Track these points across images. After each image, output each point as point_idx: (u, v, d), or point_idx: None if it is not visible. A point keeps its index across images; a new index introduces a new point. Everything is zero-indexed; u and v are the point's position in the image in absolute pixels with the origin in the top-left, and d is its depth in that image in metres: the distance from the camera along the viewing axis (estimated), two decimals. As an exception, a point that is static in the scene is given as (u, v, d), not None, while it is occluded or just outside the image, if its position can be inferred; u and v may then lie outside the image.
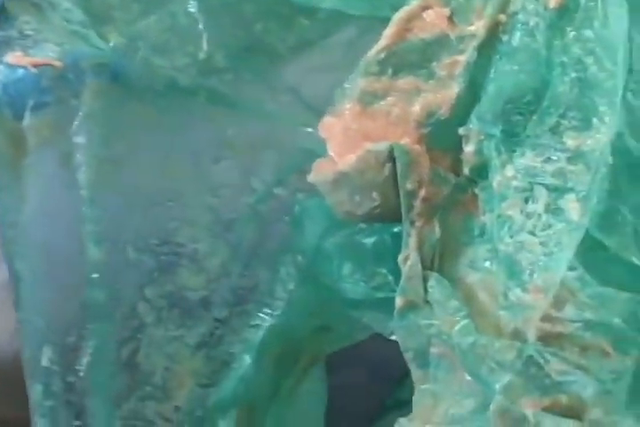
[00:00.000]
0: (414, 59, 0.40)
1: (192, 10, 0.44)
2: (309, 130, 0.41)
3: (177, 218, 0.43)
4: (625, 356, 0.36)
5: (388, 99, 0.40)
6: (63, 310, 0.42)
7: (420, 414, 0.38)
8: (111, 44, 0.41)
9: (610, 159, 0.36)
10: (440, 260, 0.40)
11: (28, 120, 0.42)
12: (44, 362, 0.42)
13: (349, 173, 0.40)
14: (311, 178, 0.40)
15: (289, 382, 0.45)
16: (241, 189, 0.43)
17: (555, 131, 0.37)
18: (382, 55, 0.40)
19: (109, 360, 0.43)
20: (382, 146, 0.39)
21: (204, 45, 0.44)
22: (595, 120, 0.36)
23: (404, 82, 0.40)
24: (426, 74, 0.40)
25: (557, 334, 0.36)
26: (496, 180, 0.38)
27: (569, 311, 0.36)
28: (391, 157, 0.39)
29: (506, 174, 0.38)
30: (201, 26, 0.44)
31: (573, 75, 0.37)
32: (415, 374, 0.39)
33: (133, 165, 0.41)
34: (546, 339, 0.36)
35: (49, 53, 0.42)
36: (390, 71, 0.40)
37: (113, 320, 0.43)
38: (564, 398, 0.35)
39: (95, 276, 0.42)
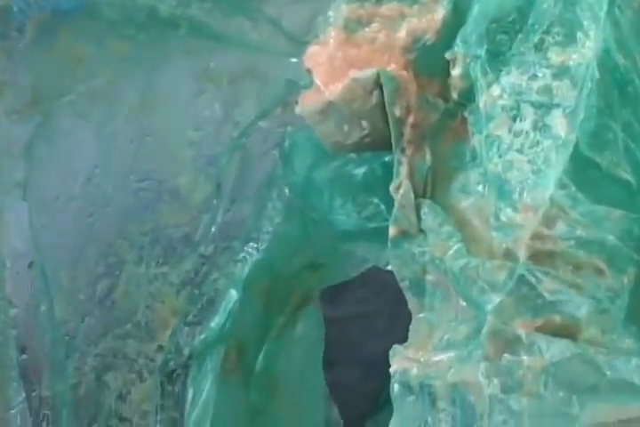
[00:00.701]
0: (398, -17, 0.40)
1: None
2: (293, 60, 0.41)
3: (156, 153, 0.43)
4: (621, 274, 0.35)
5: (373, 25, 0.40)
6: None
7: (415, 341, 0.38)
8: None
9: (596, 74, 0.35)
10: (432, 187, 0.39)
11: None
12: None
13: (337, 103, 0.39)
14: (298, 110, 0.40)
15: (280, 322, 0.45)
16: (223, 123, 0.42)
17: (539, 47, 0.37)
18: (364, -19, 0.40)
19: (78, 298, 0.43)
20: (368, 73, 0.39)
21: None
22: (579, 35, 0.35)
23: (388, 8, 0.40)
24: (411, -2, 0.40)
25: (549, 252, 0.35)
26: (482, 100, 0.37)
27: (560, 229, 0.35)
28: (378, 84, 0.39)
29: (492, 94, 0.37)
30: None
31: (557, -10, 0.36)
32: (411, 302, 0.39)
33: (110, 101, 0.41)
34: (537, 258, 0.35)
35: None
36: (374, -4, 0.40)
37: (85, 258, 0.43)
38: (557, 318, 0.35)
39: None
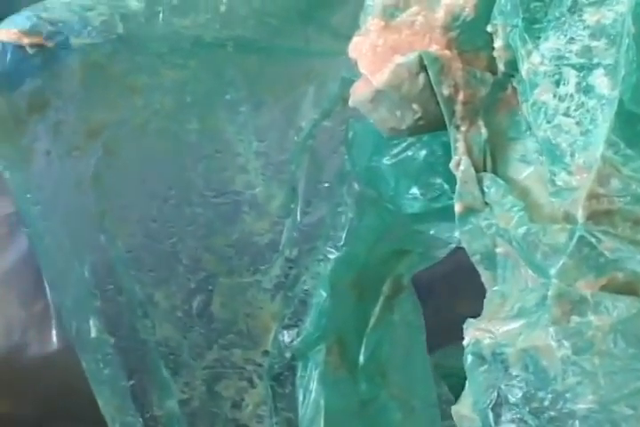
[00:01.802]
0: (432, -38, 0.41)
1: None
2: (343, 57, 0.42)
3: (228, 167, 0.44)
4: None
5: (411, 9, 0.40)
6: (104, 274, 0.43)
7: (488, 312, 0.38)
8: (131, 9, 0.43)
9: (632, 29, 0.35)
10: (492, 159, 0.39)
11: (23, 95, 0.44)
12: (94, 333, 0.44)
13: (385, 90, 0.40)
14: (351, 102, 0.41)
15: (376, 312, 0.46)
16: (287, 129, 0.44)
17: (573, 10, 0.37)
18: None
19: (176, 316, 0.45)
20: (411, 57, 0.39)
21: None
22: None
23: (424, -10, 0.40)
24: (446, -25, 0.40)
25: (606, 211, 0.36)
26: (524, 69, 0.37)
27: (615, 187, 0.35)
28: (422, 67, 0.39)
29: (533, 62, 0.37)
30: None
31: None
32: (484, 276, 0.40)
33: (171, 125, 0.43)
34: (596, 218, 0.35)
35: (42, 30, 0.43)
36: (409, -22, 0.41)
37: (175, 277, 0.44)
38: (620, 276, 0.35)
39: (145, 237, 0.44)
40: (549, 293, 0.35)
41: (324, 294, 0.45)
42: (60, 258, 0.44)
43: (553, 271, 0.35)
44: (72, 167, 0.42)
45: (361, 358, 0.48)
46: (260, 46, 0.44)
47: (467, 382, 0.38)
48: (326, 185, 0.45)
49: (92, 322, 0.44)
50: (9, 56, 0.41)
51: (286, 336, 0.45)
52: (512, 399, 0.35)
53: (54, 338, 0.57)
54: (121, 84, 0.43)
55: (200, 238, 0.45)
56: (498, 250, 0.39)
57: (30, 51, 0.42)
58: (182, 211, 0.44)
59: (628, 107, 0.35)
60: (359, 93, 0.41)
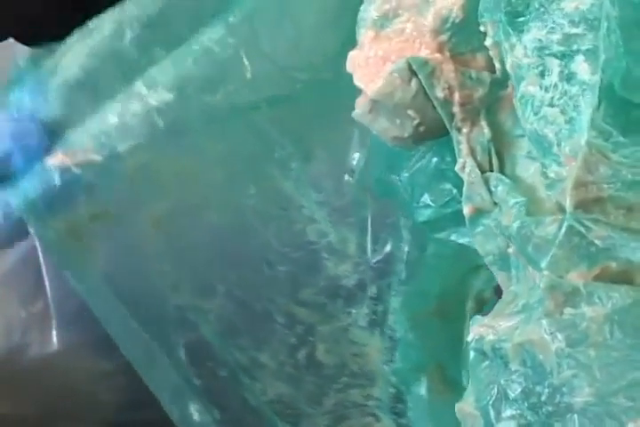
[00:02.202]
0: (415, -28, 0.41)
1: (230, 40, 0.46)
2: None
3: (297, 221, 0.45)
4: None
5: (400, 18, 0.40)
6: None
7: (496, 309, 0.37)
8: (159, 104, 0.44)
9: (613, 12, 0.34)
10: (498, 159, 0.39)
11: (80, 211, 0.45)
12: (196, 417, 0.44)
13: (380, 99, 0.40)
14: (354, 115, 0.41)
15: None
16: (340, 174, 0.44)
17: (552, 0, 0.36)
18: (384, -22, 0.41)
19: (285, 372, 0.46)
20: (401, 63, 0.39)
21: (247, 64, 0.46)
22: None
23: (411, -4, 0.40)
24: (431, -18, 0.40)
25: (596, 198, 0.34)
26: (509, 63, 0.37)
27: (604, 174, 0.34)
28: (413, 72, 0.39)
29: (516, 55, 0.37)
30: (239, 51, 0.46)
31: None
32: (499, 277, 0.39)
33: (233, 193, 0.43)
34: (585, 206, 0.34)
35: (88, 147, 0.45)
36: (396, -10, 0.41)
37: (274, 335, 0.46)
38: (613, 265, 0.34)
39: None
40: (541, 285, 0.34)
41: (403, 329, 0.45)
42: (146, 346, 0.46)
43: (544, 263, 0.34)
44: (142, 256, 0.43)
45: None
46: (293, 101, 0.46)
47: (470, 379, 0.37)
48: (389, 221, 0.45)
49: (191, 407, 0.45)
50: (59, 180, 0.44)
51: (387, 371, 0.45)
52: (511, 395, 0.34)
53: (54, 338, 0.57)
54: (169, 171, 0.45)
55: (289, 294, 0.46)
56: (510, 250, 0.38)
57: (77, 170, 0.44)
58: (265, 273, 0.45)
59: (620, 93, 0.34)
60: (359, 106, 0.41)
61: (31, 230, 0.45)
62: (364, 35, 0.41)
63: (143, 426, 0.61)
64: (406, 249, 0.45)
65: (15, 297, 0.57)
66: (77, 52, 0.45)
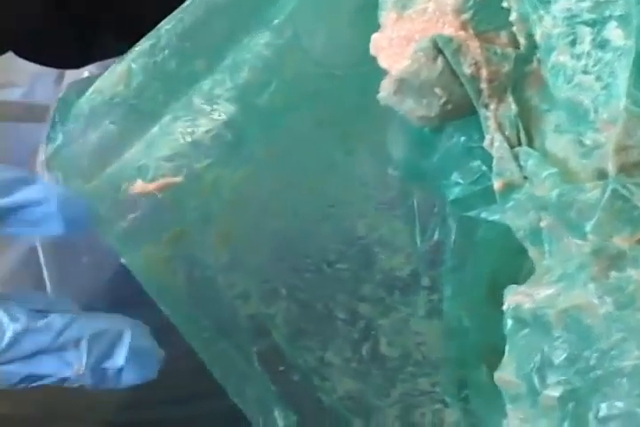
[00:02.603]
0: (435, -48, 0.41)
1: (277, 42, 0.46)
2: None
3: (346, 217, 0.45)
4: None
5: (420, -2, 0.40)
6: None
7: (531, 280, 0.37)
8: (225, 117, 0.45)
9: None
10: (526, 134, 0.39)
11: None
12: (281, 423, 0.45)
13: (406, 78, 0.40)
14: (379, 98, 0.41)
15: None
16: (384, 167, 0.44)
17: (580, -33, 0.36)
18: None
19: (352, 368, 0.45)
20: (425, 41, 0.39)
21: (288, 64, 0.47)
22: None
23: (432, -24, 0.40)
24: (450, -38, 0.40)
25: (637, 162, 0.34)
26: (538, 34, 0.37)
27: None
28: (438, 50, 0.39)
29: (546, 25, 0.37)
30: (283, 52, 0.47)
31: None
32: (531, 252, 0.38)
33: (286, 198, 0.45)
34: (627, 170, 0.34)
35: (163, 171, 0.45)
36: (415, -30, 0.41)
37: (337, 333, 0.46)
38: None
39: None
40: (586, 249, 0.34)
41: (457, 317, 0.45)
42: (226, 359, 0.45)
43: (588, 228, 0.34)
44: (213, 270, 0.44)
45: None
46: (332, 96, 0.45)
47: (507, 347, 0.37)
48: (435, 210, 0.45)
49: (276, 413, 0.44)
50: (145, 208, 0.43)
51: (450, 359, 0.45)
52: (556, 361, 0.34)
53: None
54: (232, 184, 0.44)
55: (349, 291, 0.46)
56: (542, 224, 0.38)
57: (159, 195, 0.44)
58: (325, 273, 0.45)
59: (648, 57, 0.34)
60: (384, 88, 0.41)
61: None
62: (387, 17, 0.41)
63: (143, 426, 0.60)
64: (453, 237, 0.45)
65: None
66: (116, 71, 0.46)
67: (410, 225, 0.46)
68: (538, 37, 0.37)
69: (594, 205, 0.34)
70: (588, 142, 0.36)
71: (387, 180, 0.46)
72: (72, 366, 0.42)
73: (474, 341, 0.44)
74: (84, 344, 0.43)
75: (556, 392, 0.35)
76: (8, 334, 0.42)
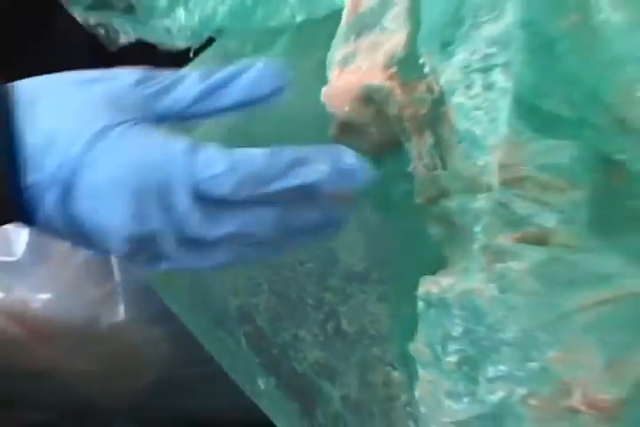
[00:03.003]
0: (369, 21, 0.49)
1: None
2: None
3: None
4: (580, 190, 0.41)
5: (358, 57, 0.48)
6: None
7: (440, 273, 0.44)
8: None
9: (521, 35, 0.43)
10: (441, 160, 0.44)
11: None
12: (263, 386, 0.53)
13: (347, 122, 0.45)
14: (330, 137, 0.49)
15: None
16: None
17: (474, 28, 0.44)
18: (345, 28, 0.48)
19: (319, 342, 0.53)
20: (360, 90, 0.46)
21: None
22: (498, 12, 0.43)
23: (366, 42, 0.48)
24: (380, 29, 0.47)
25: (517, 178, 0.40)
26: (443, 82, 0.45)
27: (523, 159, 0.40)
28: (371, 97, 0.47)
29: (448, 75, 0.43)
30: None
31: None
32: (444, 251, 0.45)
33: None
34: (508, 184, 0.40)
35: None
36: (353, 37, 0.49)
37: (308, 316, 0.53)
38: (532, 230, 0.39)
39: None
40: (476, 246, 0.39)
41: (397, 303, 0.52)
42: (220, 342, 0.54)
43: (478, 229, 0.40)
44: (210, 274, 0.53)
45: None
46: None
47: (419, 324, 0.43)
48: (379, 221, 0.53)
49: (259, 379, 0.52)
50: None
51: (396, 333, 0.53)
52: (454, 334, 0.40)
53: (121, 311, 0.70)
54: None
55: (317, 283, 0.52)
56: (451, 229, 0.45)
57: None
58: (297, 270, 0.53)
59: (529, 98, 0.42)
60: (332, 130, 0.49)
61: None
62: (332, 73, 0.49)
63: (184, 379, 0.72)
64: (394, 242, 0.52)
65: (91, 280, 0.69)
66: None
67: (364, 232, 0.53)
68: (443, 84, 0.45)
69: (483, 212, 0.40)
70: (480, 163, 0.42)
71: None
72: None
73: (411, 320, 0.51)
74: None
75: (454, 359, 0.40)
76: None
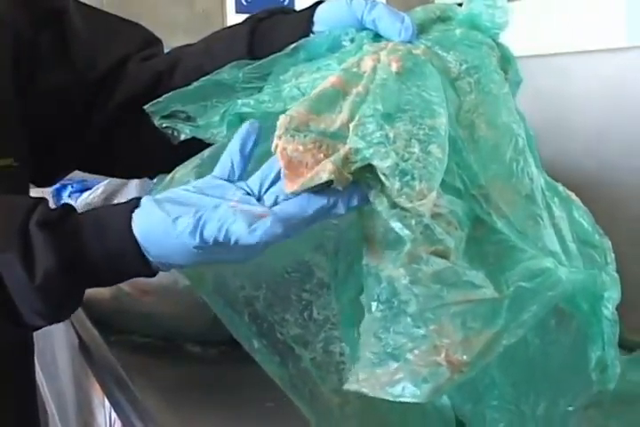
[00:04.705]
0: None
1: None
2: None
3: (301, 254, 0.73)
4: (462, 230, 0.60)
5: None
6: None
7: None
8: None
9: (449, 129, 0.62)
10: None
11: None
12: (256, 345, 0.70)
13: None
14: None
15: None
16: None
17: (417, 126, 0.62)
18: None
19: (298, 323, 0.72)
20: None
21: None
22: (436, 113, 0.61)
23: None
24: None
25: (437, 214, 0.59)
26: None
27: (442, 203, 0.59)
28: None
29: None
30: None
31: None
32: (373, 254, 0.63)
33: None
34: (434, 216, 0.59)
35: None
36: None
37: (291, 305, 0.71)
38: (442, 247, 0.58)
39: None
40: (405, 250, 0.57)
41: (347, 302, 0.72)
42: (233, 318, 0.72)
43: (408, 239, 0.58)
44: (226, 277, 0.73)
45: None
46: None
47: (364, 288, 0.62)
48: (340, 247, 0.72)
49: (254, 342, 0.70)
50: None
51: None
52: (382, 299, 0.60)
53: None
54: None
55: (299, 287, 0.71)
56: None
57: None
58: (286, 277, 0.72)
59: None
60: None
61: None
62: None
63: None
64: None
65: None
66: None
67: (329, 255, 0.71)
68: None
69: (413, 230, 0.58)
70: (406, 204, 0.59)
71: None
72: None
73: (359, 311, 0.66)
74: None
75: (378, 314, 0.59)
76: None
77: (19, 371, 0.88)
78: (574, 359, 0.67)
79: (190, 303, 1.03)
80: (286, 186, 0.60)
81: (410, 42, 0.68)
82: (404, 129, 0.62)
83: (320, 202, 0.60)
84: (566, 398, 0.67)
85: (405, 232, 0.59)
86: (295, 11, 0.79)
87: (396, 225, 0.60)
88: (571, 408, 0.67)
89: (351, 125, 0.61)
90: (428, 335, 0.59)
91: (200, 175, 0.68)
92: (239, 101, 0.70)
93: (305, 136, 0.62)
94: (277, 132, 0.61)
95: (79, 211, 0.65)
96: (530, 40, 1.22)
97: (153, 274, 0.64)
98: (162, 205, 0.62)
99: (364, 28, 0.71)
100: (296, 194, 0.60)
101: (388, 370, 0.59)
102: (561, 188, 0.69)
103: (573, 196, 0.69)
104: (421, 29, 0.69)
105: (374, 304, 0.61)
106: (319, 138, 0.62)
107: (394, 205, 0.60)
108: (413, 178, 0.61)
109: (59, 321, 0.67)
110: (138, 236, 0.62)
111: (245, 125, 0.65)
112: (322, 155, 0.62)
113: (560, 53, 1.27)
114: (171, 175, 0.70)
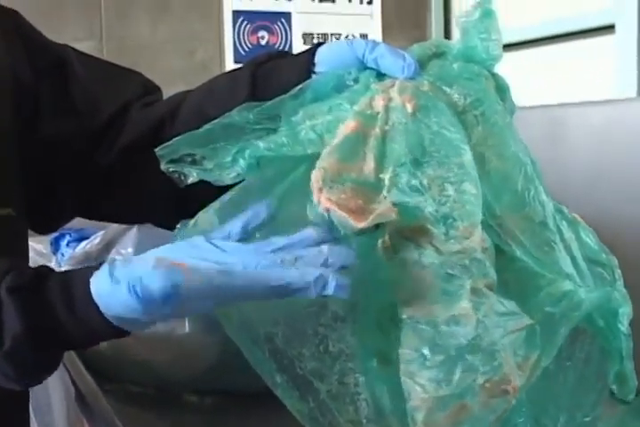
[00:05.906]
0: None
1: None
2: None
3: None
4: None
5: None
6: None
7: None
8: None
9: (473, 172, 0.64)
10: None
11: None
12: (279, 379, 0.70)
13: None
14: None
15: None
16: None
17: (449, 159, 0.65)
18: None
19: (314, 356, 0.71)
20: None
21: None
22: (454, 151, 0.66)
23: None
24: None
25: (484, 248, 0.65)
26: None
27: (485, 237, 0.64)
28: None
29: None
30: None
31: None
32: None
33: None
34: (483, 251, 0.64)
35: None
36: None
37: (308, 341, 0.71)
38: (490, 280, 0.65)
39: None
40: (467, 286, 0.62)
41: (361, 339, 0.72)
42: (255, 354, 0.72)
43: (468, 277, 0.62)
44: (247, 315, 0.72)
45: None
46: None
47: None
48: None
49: (276, 376, 0.70)
50: None
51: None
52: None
53: (186, 325, 1.07)
54: None
55: (314, 321, 0.71)
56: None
57: None
58: (302, 312, 0.71)
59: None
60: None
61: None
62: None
63: (226, 367, 1.01)
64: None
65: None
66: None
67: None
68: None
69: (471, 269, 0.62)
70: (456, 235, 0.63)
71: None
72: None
73: (373, 348, 0.70)
74: None
75: (439, 357, 0.62)
76: None
77: (13, 421, 0.84)
78: (589, 373, 0.71)
79: (187, 351, 1.02)
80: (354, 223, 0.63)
81: (413, 78, 0.70)
82: (435, 175, 0.65)
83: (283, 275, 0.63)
84: (583, 411, 0.71)
85: (463, 271, 0.63)
86: (293, 54, 0.80)
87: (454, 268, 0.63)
88: (587, 419, 0.71)
89: (386, 178, 0.66)
90: (499, 366, 0.62)
91: (221, 219, 0.70)
92: (261, 144, 0.70)
93: (342, 184, 0.65)
94: (316, 186, 0.64)
95: (77, 260, 0.66)
96: (525, 92, 1.26)
97: (127, 333, 0.65)
98: (111, 267, 0.62)
99: (366, 68, 0.72)
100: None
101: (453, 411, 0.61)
102: (566, 210, 0.72)
103: (578, 217, 0.72)
104: (420, 65, 0.71)
105: (425, 352, 0.63)
106: (354, 186, 0.65)
107: (440, 252, 0.64)
108: (455, 219, 0.64)
109: (33, 385, 0.68)
110: (95, 299, 0.62)
111: (263, 204, 0.69)
112: (361, 201, 0.64)
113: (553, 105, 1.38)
114: (194, 220, 0.71)
